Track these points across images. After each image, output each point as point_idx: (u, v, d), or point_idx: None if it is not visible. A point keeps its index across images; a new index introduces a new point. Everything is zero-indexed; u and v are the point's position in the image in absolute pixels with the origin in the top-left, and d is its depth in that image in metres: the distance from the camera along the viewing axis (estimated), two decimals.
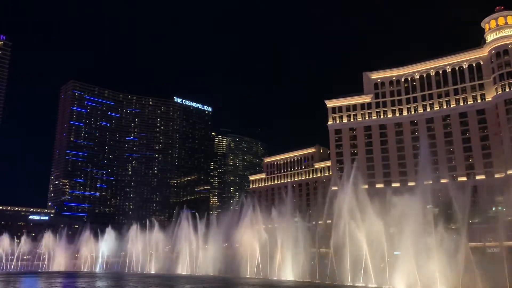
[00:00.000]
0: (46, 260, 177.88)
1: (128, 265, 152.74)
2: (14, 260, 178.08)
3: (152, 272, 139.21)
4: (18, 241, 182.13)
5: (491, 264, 60.41)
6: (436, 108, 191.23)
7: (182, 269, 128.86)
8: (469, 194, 64.61)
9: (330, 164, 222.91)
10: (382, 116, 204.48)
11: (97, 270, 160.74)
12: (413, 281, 65.15)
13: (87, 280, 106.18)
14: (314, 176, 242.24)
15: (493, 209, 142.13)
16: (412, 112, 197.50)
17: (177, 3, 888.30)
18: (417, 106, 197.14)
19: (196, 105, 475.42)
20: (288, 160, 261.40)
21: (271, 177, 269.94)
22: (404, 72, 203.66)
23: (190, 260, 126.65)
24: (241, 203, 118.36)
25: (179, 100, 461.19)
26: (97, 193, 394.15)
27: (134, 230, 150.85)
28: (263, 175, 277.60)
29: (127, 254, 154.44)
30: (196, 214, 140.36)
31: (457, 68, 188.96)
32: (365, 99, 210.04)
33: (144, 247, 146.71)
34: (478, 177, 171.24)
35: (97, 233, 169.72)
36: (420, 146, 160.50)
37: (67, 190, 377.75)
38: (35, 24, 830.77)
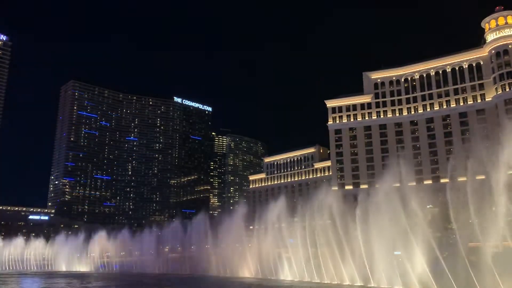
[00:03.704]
0: (46, 260, 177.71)
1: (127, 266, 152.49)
2: (14, 260, 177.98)
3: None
4: (18, 240, 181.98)
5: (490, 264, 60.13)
6: (436, 108, 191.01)
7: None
8: (469, 194, 64.30)
9: (330, 164, 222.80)
10: (382, 116, 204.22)
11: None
12: (411, 281, 65.12)
13: (87, 280, 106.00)
14: (314, 176, 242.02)
15: (493, 209, 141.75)
16: (412, 112, 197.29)
17: (177, 2, 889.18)
18: (417, 106, 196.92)
19: (196, 105, 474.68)
20: (288, 160, 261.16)
21: (271, 177, 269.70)
22: (404, 72, 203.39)
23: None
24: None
25: (179, 100, 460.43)
26: (97, 193, 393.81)
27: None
28: (263, 175, 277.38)
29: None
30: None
31: (457, 68, 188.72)
32: (365, 99, 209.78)
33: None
34: (478, 177, 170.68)
35: (97, 233, 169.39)
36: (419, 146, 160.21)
37: (67, 190, 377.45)
38: (35, 23, 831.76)
